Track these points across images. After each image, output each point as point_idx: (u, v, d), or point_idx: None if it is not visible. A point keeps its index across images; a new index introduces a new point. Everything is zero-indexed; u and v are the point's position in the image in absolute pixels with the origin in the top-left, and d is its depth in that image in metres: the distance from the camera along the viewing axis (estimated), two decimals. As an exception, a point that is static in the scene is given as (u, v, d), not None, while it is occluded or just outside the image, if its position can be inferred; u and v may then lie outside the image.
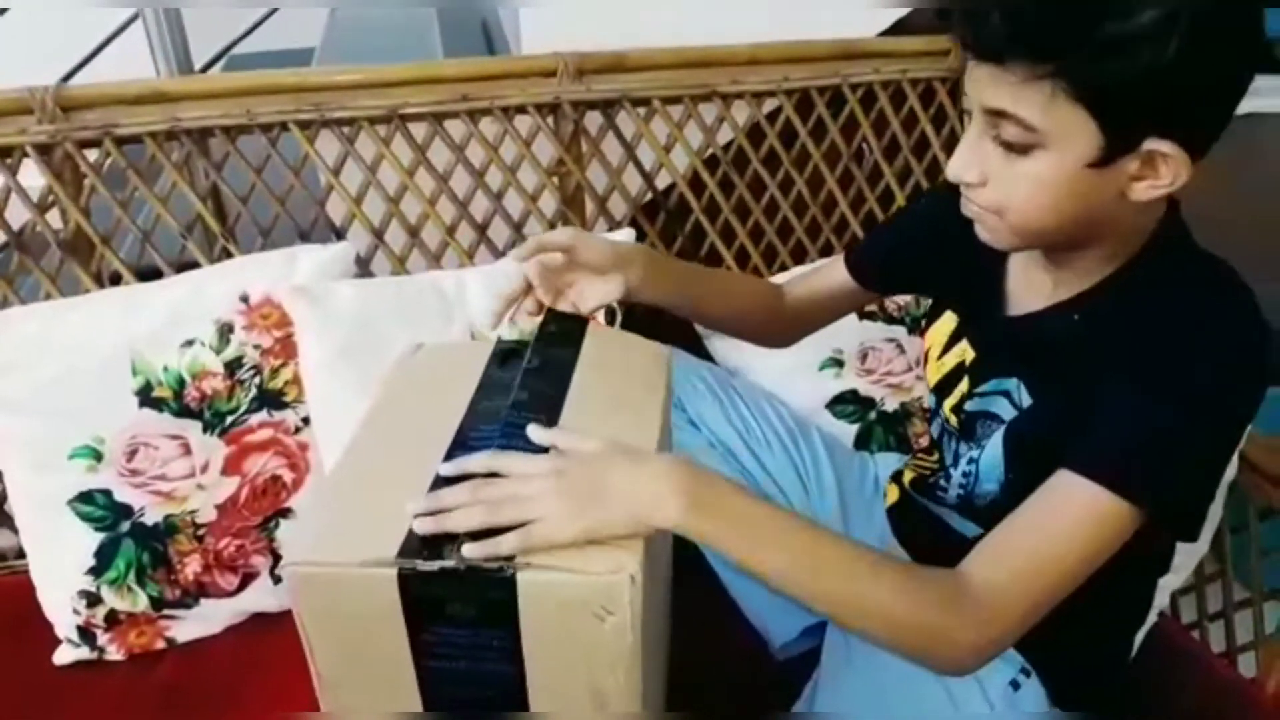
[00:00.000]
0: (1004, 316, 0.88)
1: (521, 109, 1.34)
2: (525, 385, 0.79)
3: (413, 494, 0.67)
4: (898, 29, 1.57)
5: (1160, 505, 0.71)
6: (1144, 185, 0.70)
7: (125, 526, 1.09)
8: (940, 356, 0.95)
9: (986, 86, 0.69)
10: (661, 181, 1.46)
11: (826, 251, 1.54)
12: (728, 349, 1.38)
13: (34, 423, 1.09)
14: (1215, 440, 0.73)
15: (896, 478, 1.09)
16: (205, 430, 1.12)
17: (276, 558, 1.14)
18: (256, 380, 1.14)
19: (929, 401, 1.01)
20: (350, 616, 0.66)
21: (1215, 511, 1.14)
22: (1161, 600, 1.14)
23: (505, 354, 0.87)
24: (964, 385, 0.90)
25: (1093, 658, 0.93)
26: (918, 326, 1.36)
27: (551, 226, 1.42)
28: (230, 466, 1.13)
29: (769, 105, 1.45)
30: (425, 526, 0.65)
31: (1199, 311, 0.73)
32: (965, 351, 0.92)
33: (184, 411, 1.12)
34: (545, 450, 0.71)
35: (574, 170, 1.39)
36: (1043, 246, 0.81)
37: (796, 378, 1.34)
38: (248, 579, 1.14)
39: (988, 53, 0.68)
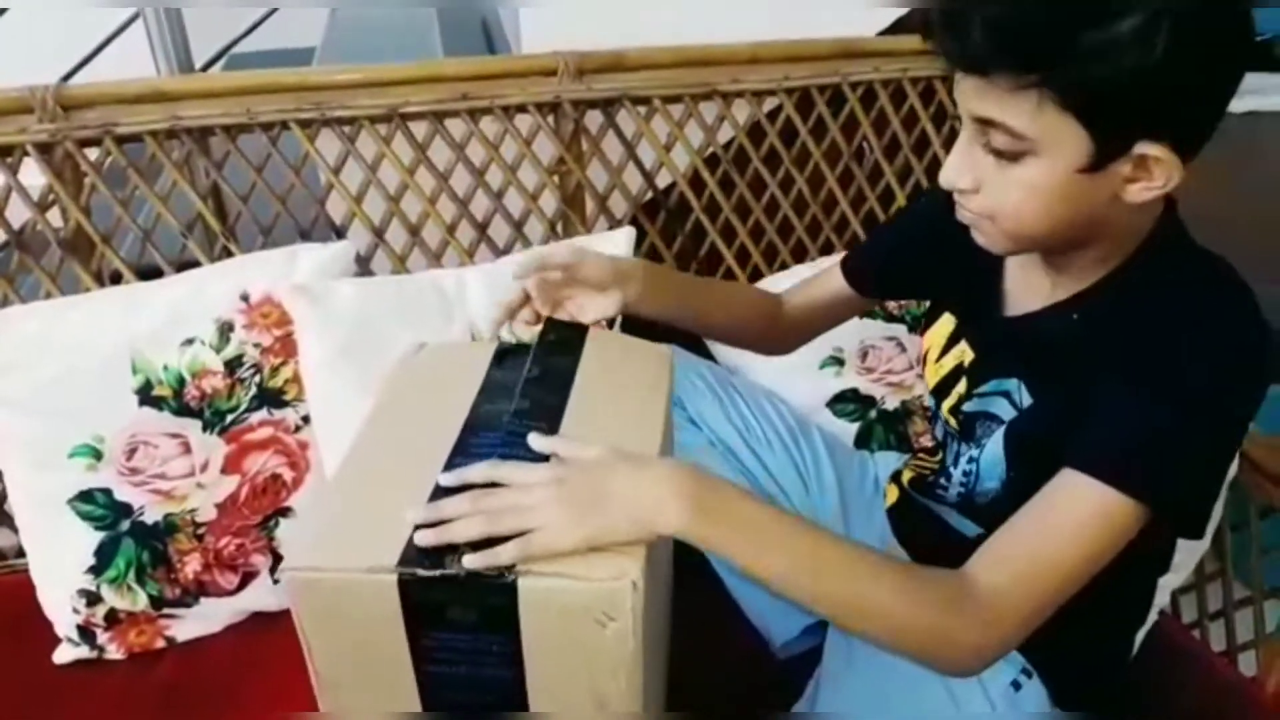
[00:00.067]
0: (1002, 317, 0.88)
1: (522, 108, 1.34)
2: (526, 394, 0.79)
3: (413, 500, 0.67)
4: (898, 28, 1.57)
5: (1165, 502, 0.71)
6: (1137, 187, 0.70)
7: (125, 525, 1.09)
8: (939, 358, 0.95)
9: (973, 97, 0.69)
10: (662, 180, 1.46)
11: (827, 250, 1.54)
12: (727, 349, 1.38)
13: (34, 421, 1.09)
14: (1217, 436, 0.73)
15: (895, 477, 1.09)
16: (205, 429, 1.12)
17: (276, 557, 1.14)
18: (256, 379, 1.14)
19: (928, 401, 1.01)
20: (350, 621, 0.66)
21: (1216, 510, 1.13)
22: (1162, 599, 1.13)
23: (507, 355, 0.87)
24: (962, 386, 0.90)
25: (1093, 657, 0.93)
26: (918, 325, 1.35)
27: (552, 225, 1.42)
28: (230, 465, 1.13)
29: (769, 104, 1.45)
30: (426, 539, 0.65)
31: (1197, 309, 0.73)
32: (964, 353, 0.92)
33: (184, 410, 1.12)
34: (546, 458, 0.71)
35: (574, 169, 1.39)
36: (1038, 250, 0.81)
37: (797, 376, 1.34)
38: (247, 578, 1.14)
39: (971, 65, 0.68)
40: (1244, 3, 0.67)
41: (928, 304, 1.02)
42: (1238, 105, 0.70)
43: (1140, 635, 0.99)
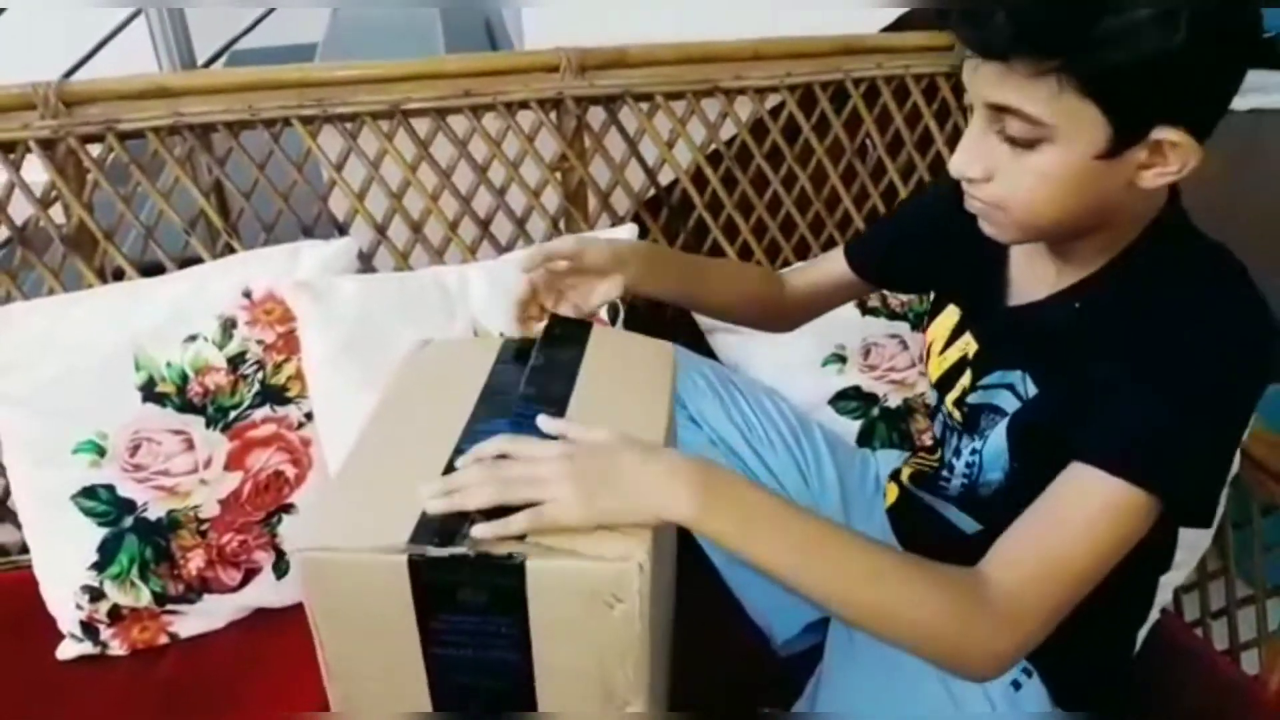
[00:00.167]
0: (1006, 307, 0.88)
1: (524, 104, 1.34)
2: (533, 382, 0.80)
3: (424, 481, 0.68)
4: (900, 24, 1.57)
5: (1174, 491, 0.70)
6: (1152, 173, 0.70)
7: (128, 522, 1.09)
8: (942, 351, 0.95)
9: (991, 84, 0.69)
10: (664, 177, 1.46)
11: (829, 246, 1.52)
12: (730, 345, 1.38)
13: (37, 418, 1.09)
14: (1223, 423, 0.73)
15: (895, 475, 1.09)
16: (208, 425, 1.13)
17: (279, 553, 1.15)
18: (259, 375, 1.14)
19: (931, 398, 1.01)
20: (359, 602, 0.67)
21: (1220, 500, 1.13)
22: (1164, 597, 1.13)
23: (512, 349, 0.88)
24: (966, 379, 0.90)
25: (1095, 656, 0.92)
26: (921, 322, 1.36)
27: (555, 222, 1.42)
28: (233, 462, 1.13)
29: (772, 101, 1.45)
30: (438, 505, 0.65)
31: (1199, 297, 0.73)
32: (968, 345, 0.91)
33: (187, 407, 1.12)
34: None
35: (577, 166, 1.39)
36: (1047, 238, 0.81)
37: (799, 374, 1.34)
38: (250, 574, 1.14)
39: (993, 51, 0.67)
40: None
41: (930, 300, 1.02)
42: (1241, 103, 0.71)
43: (1142, 634, 0.99)
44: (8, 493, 1.22)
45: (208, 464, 1.12)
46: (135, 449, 1.10)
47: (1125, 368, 0.73)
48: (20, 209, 1.23)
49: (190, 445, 1.12)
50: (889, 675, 0.84)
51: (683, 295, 1.03)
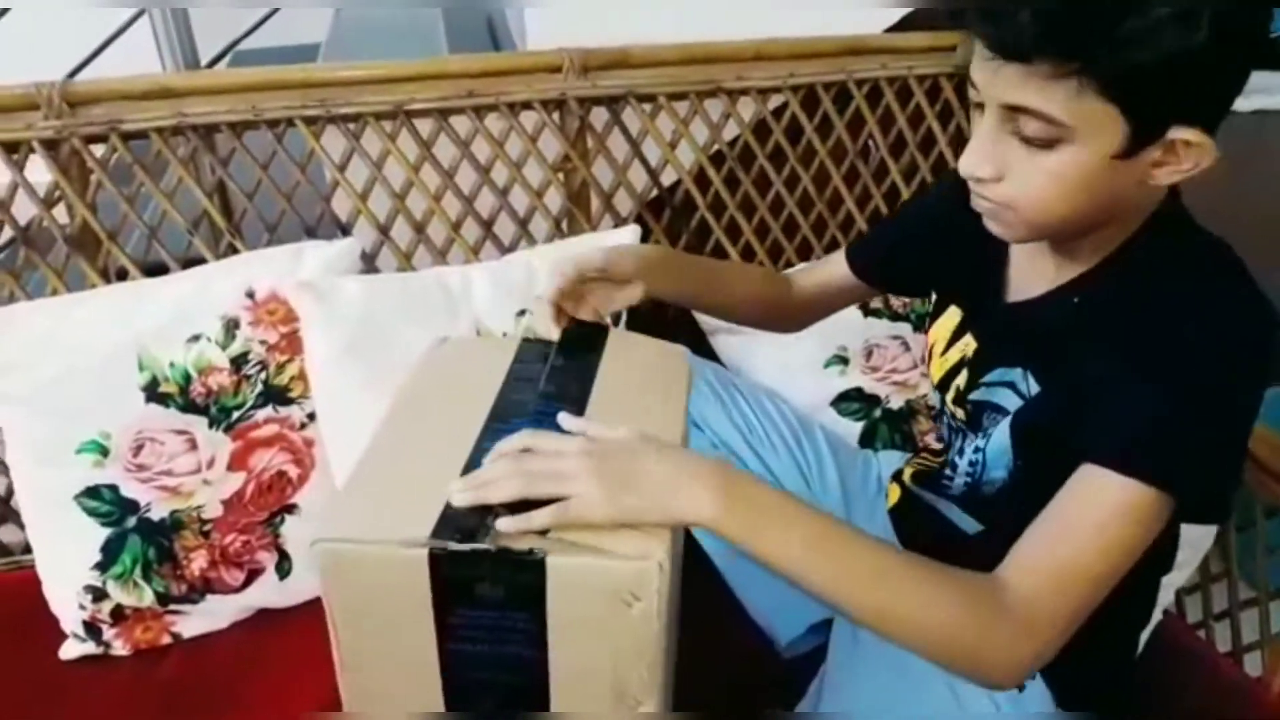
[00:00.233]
0: (1005, 304, 0.88)
1: (527, 105, 1.34)
2: (552, 380, 0.81)
3: (444, 478, 0.68)
4: (904, 25, 1.57)
5: (1185, 486, 0.70)
6: (1165, 171, 0.70)
7: (131, 522, 1.10)
8: (944, 352, 0.95)
9: (1009, 84, 0.68)
10: (667, 178, 1.46)
11: (832, 248, 1.54)
12: (732, 346, 1.38)
13: (40, 418, 1.09)
14: (1227, 416, 0.72)
15: (897, 476, 1.09)
16: (211, 426, 1.13)
17: (282, 554, 1.14)
18: (262, 376, 1.14)
19: (933, 399, 1.01)
20: (377, 595, 0.67)
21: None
22: (1166, 599, 1.13)
23: (530, 348, 0.89)
24: (965, 377, 0.90)
25: (1098, 658, 0.92)
26: (923, 324, 1.35)
27: (557, 223, 1.42)
28: (236, 462, 1.13)
29: (775, 101, 1.45)
30: (464, 498, 0.66)
31: (1198, 290, 0.73)
32: (969, 345, 0.91)
33: (190, 407, 1.12)
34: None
35: (579, 166, 1.39)
36: (1055, 237, 0.80)
37: (801, 375, 1.34)
38: (253, 575, 1.14)
39: (1015, 52, 0.67)
40: None
41: (932, 301, 1.02)
42: (1244, 104, 0.71)
43: (1144, 635, 0.99)
44: (11, 493, 1.22)
45: (210, 464, 1.12)
46: (138, 449, 1.10)
47: (1127, 364, 0.72)
48: (24, 209, 1.23)
49: (193, 445, 1.12)
50: (894, 676, 0.84)
51: (694, 297, 1.03)
